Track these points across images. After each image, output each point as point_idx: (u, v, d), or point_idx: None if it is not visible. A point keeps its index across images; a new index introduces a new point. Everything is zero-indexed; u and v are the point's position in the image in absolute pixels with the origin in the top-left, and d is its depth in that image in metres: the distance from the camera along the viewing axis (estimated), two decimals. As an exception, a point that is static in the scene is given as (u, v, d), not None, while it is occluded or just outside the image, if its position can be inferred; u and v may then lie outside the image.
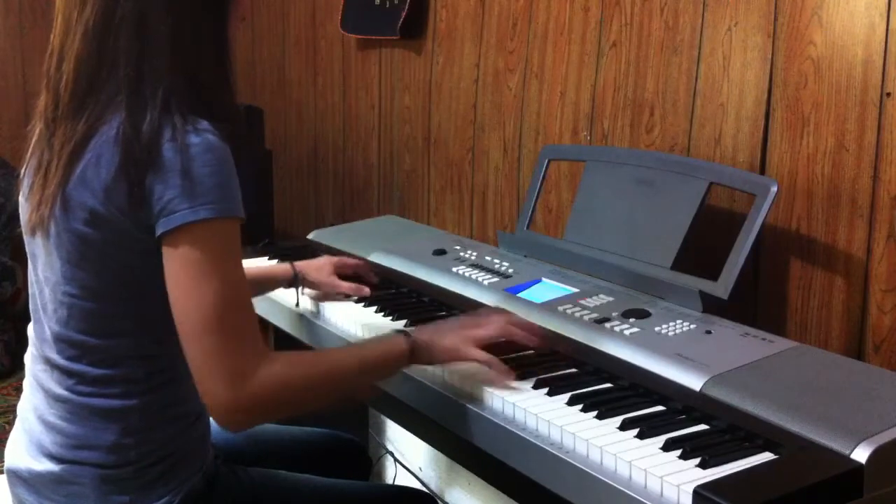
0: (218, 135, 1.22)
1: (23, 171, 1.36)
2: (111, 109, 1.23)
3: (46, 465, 1.32)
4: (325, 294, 1.84)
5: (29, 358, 1.39)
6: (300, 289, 1.83)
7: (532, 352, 1.54)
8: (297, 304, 1.83)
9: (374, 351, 1.39)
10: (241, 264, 1.24)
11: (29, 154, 1.34)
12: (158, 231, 1.20)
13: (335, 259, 1.88)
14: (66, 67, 1.26)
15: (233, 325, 1.20)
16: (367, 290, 1.82)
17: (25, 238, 1.35)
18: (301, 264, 1.83)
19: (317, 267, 1.84)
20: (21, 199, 1.36)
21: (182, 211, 1.19)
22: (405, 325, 1.66)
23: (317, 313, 1.81)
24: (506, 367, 1.40)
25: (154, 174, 1.19)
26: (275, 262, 2.12)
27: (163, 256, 1.22)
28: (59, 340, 1.30)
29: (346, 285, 1.82)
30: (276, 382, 1.22)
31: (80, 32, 1.25)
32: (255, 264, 2.13)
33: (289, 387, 1.25)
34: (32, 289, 1.36)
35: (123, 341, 1.29)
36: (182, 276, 1.20)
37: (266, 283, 1.80)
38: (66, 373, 1.31)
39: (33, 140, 1.34)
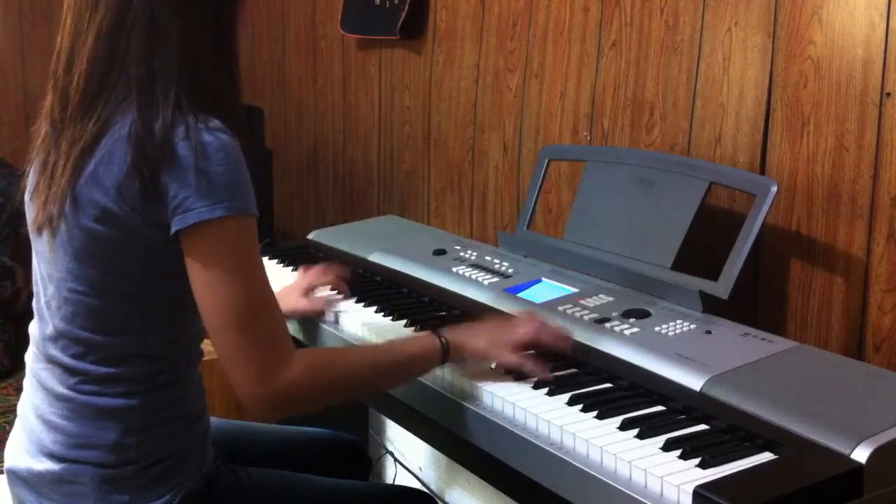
0: (230, 133, 1.23)
1: (27, 170, 1.36)
2: (122, 109, 1.24)
3: (46, 465, 1.32)
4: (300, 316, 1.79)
5: (30, 357, 1.39)
6: None
7: (532, 351, 1.54)
8: None
9: (406, 351, 1.39)
10: (261, 261, 1.26)
11: (34, 154, 1.34)
12: (174, 228, 1.21)
13: (304, 282, 1.81)
14: (76, 68, 1.26)
15: (259, 320, 1.23)
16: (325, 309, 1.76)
17: (31, 236, 1.35)
18: None
19: (284, 295, 1.76)
20: (26, 198, 1.36)
21: (198, 209, 1.20)
22: (405, 325, 1.66)
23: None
24: (541, 364, 1.41)
25: (169, 172, 1.20)
26: (289, 270, 2.10)
27: (183, 255, 1.23)
28: (64, 338, 1.31)
29: (313, 307, 1.76)
30: (304, 379, 1.25)
31: (93, 34, 1.25)
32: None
33: (316, 384, 1.28)
34: (36, 287, 1.37)
35: (128, 340, 1.29)
36: (205, 274, 1.22)
37: None
38: (68, 371, 1.31)
39: (38, 140, 1.34)
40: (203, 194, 1.20)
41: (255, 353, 1.22)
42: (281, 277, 1.99)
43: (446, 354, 1.39)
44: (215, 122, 1.23)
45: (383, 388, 1.46)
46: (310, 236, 2.37)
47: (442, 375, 1.46)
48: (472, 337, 1.42)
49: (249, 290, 1.23)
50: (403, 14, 2.63)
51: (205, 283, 1.22)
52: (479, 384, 1.39)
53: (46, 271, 1.32)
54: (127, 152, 1.21)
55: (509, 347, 1.42)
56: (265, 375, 1.22)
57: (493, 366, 1.44)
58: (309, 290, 1.80)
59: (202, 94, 1.25)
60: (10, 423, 1.43)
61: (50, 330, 1.32)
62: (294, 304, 1.76)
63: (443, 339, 1.39)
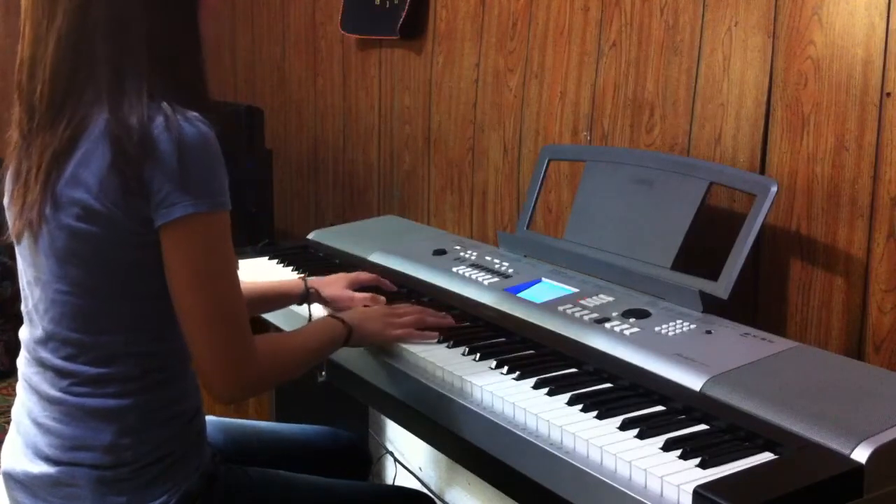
0: (208, 125, 1.24)
1: (3, 176, 1.36)
2: (95, 111, 1.24)
3: (42, 468, 1.31)
4: (340, 309, 1.78)
5: (21, 362, 1.39)
6: (311, 305, 1.79)
7: (532, 351, 1.54)
8: (310, 320, 1.77)
9: (325, 333, 1.50)
10: (234, 255, 1.30)
11: (7, 161, 1.34)
12: (158, 222, 1.22)
13: (350, 275, 1.85)
14: (40, 77, 1.26)
15: (232, 315, 1.27)
16: (383, 300, 1.78)
17: (14, 242, 1.35)
18: (313, 280, 1.80)
19: (329, 282, 1.81)
20: (5, 202, 1.36)
21: (182, 203, 1.21)
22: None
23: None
24: (427, 333, 1.59)
25: (152, 166, 1.20)
26: (288, 269, 2.10)
27: (163, 249, 1.24)
28: (53, 339, 1.31)
29: (360, 296, 1.78)
30: (266, 366, 1.33)
31: (53, 40, 1.25)
32: (257, 270, 2.13)
33: (275, 369, 1.37)
34: (24, 292, 1.37)
35: (117, 339, 1.29)
36: (184, 270, 1.24)
37: (277, 300, 1.77)
38: (60, 373, 1.30)
39: (10, 148, 1.34)
40: (187, 189, 1.21)
41: (228, 345, 1.27)
42: (281, 277, 1.99)
43: (349, 337, 1.52)
44: (192, 114, 1.24)
45: (310, 366, 1.52)
46: (310, 236, 2.37)
47: (442, 376, 1.46)
48: (368, 321, 1.57)
49: (225, 286, 1.26)
50: (403, 14, 2.63)
51: (183, 277, 1.24)
52: (480, 384, 1.39)
53: (32, 275, 1.32)
54: (105, 151, 1.21)
55: (401, 325, 1.58)
56: (235, 366, 1.28)
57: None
58: (353, 285, 1.81)
59: (173, 88, 1.25)
60: (10, 424, 1.43)
61: (39, 333, 1.32)
62: (339, 292, 1.79)
63: (346, 324, 1.52)
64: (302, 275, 1.99)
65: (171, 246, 1.23)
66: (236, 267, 1.30)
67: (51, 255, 1.27)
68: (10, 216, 1.33)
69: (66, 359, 1.30)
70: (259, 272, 2.08)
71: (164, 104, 1.22)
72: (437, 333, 1.60)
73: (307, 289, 1.77)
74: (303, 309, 1.79)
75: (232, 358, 1.27)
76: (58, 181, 1.24)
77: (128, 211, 1.22)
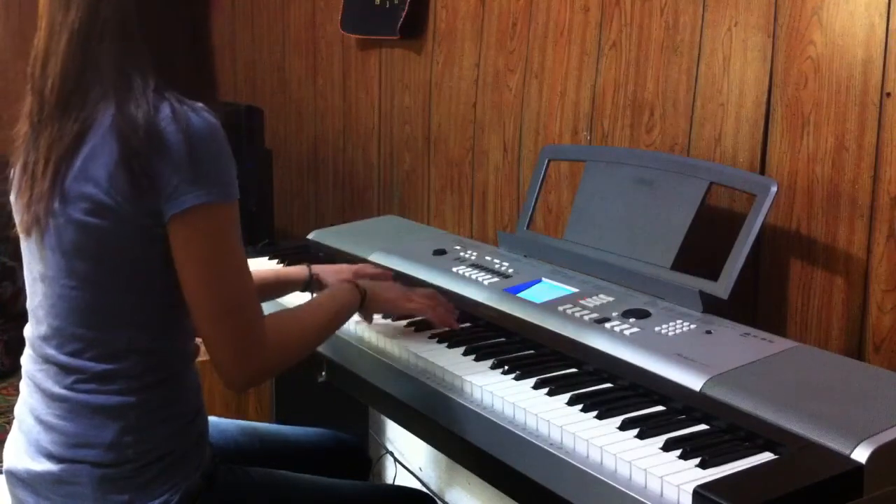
0: (214, 115, 1.25)
1: (12, 171, 1.37)
2: (102, 107, 1.25)
3: (45, 465, 1.32)
4: None
5: (25, 359, 1.39)
6: (314, 293, 1.80)
7: (532, 351, 1.54)
8: None
9: (336, 301, 1.52)
10: (242, 245, 1.30)
11: (16, 156, 1.35)
12: (168, 214, 1.23)
13: (355, 266, 1.85)
14: (51, 70, 1.28)
15: (242, 305, 1.28)
16: None
17: (21, 237, 1.35)
18: (318, 267, 1.81)
19: (335, 271, 1.81)
20: (11, 198, 1.36)
21: (192, 194, 1.21)
22: (405, 327, 1.67)
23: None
24: (446, 304, 1.65)
25: (160, 158, 1.21)
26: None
27: (172, 240, 1.24)
28: (59, 335, 1.31)
29: None
30: (276, 351, 1.33)
31: (66, 35, 1.26)
32: (263, 266, 2.13)
33: (288, 348, 1.37)
34: (29, 289, 1.37)
35: (120, 335, 1.29)
36: (194, 260, 1.25)
37: (280, 287, 1.78)
38: (65, 370, 1.31)
39: (19, 141, 1.34)
40: (196, 179, 1.21)
41: (239, 335, 1.27)
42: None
43: (363, 301, 1.55)
44: (199, 105, 1.24)
45: (325, 338, 1.52)
46: (310, 236, 2.37)
47: (442, 376, 1.46)
48: (384, 290, 1.62)
49: (236, 275, 1.27)
50: (403, 14, 2.63)
51: (193, 267, 1.25)
52: (480, 384, 1.39)
53: (38, 271, 1.33)
54: (113, 147, 1.22)
55: (414, 301, 1.62)
56: (245, 354, 1.28)
57: (404, 323, 1.65)
58: (357, 277, 1.80)
59: (180, 87, 1.25)
60: (10, 423, 1.43)
61: (44, 329, 1.33)
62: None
63: (361, 289, 1.55)
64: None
65: (181, 236, 1.24)
66: (245, 256, 1.30)
67: (57, 249, 1.28)
68: (17, 209, 1.33)
69: (71, 354, 1.30)
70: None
71: (170, 95, 1.23)
72: (451, 314, 1.64)
73: (311, 275, 1.78)
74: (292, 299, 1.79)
75: (242, 346, 1.28)
76: (66, 176, 1.25)
77: (137, 204, 1.22)
